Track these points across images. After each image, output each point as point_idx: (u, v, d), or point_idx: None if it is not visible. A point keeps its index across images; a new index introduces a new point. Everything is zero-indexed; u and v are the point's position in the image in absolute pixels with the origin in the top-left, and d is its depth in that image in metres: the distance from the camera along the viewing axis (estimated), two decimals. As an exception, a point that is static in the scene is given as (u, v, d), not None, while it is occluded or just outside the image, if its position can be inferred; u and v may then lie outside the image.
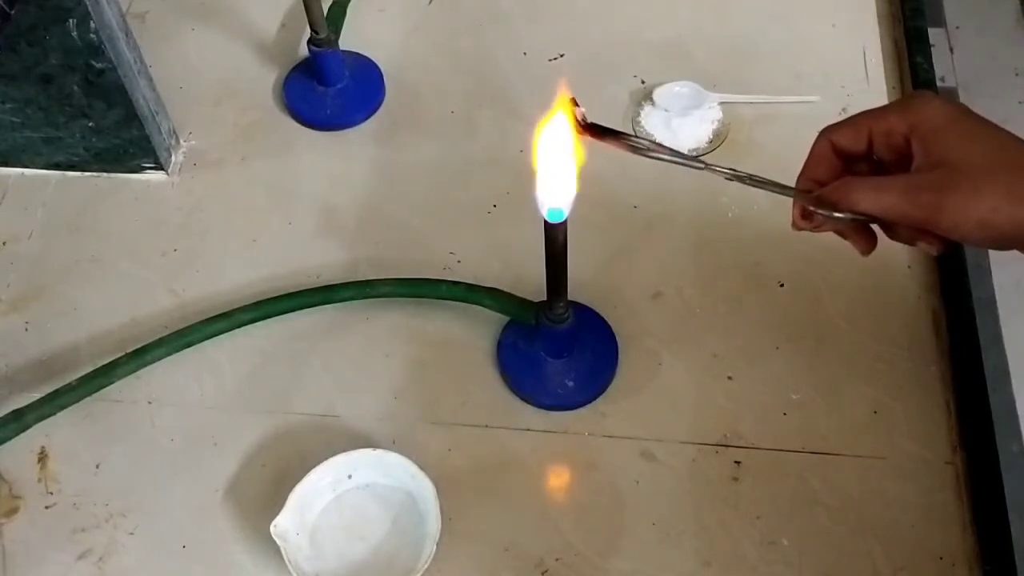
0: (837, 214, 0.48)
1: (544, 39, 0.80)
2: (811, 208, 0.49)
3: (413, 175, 0.73)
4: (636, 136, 0.49)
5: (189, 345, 0.64)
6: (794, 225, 0.51)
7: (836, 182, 0.49)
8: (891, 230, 0.49)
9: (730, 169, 0.49)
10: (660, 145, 0.49)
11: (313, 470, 0.57)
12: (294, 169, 0.74)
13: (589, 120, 0.47)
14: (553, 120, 0.47)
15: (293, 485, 0.56)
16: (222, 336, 0.65)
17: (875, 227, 0.50)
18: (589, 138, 0.47)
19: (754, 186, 0.49)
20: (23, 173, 0.75)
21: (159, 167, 0.73)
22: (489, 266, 0.68)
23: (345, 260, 0.69)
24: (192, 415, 0.63)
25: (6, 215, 0.73)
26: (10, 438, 0.60)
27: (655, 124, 0.74)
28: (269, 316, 0.65)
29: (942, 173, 0.45)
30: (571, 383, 0.62)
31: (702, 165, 0.49)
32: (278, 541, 0.54)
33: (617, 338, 0.64)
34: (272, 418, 0.62)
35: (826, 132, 0.51)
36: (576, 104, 0.46)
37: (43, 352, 0.66)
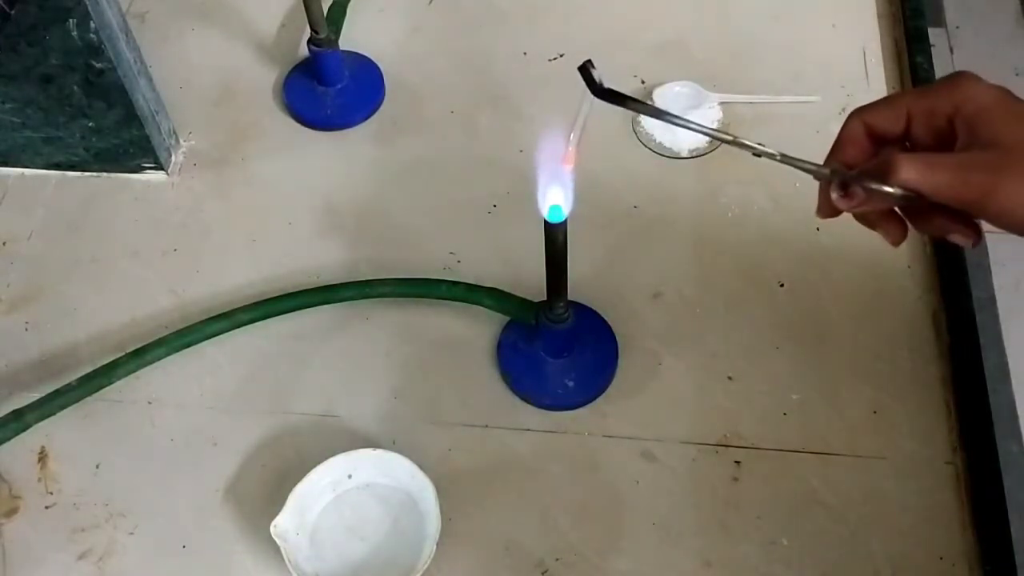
0: (887, 188, 0.44)
1: (544, 39, 0.80)
2: (856, 184, 0.45)
3: (413, 175, 0.73)
4: (654, 106, 0.47)
5: (189, 345, 0.64)
6: (820, 210, 0.48)
7: (881, 156, 0.45)
8: (923, 220, 0.46)
9: (758, 144, 0.46)
10: (678, 116, 0.46)
11: (313, 470, 0.57)
12: (294, 169, 0.74)
13: (607, 85, 0.45)
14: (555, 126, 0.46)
15: (293, 485, 0.56)
16: (222, 336, 0.65)
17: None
18: (606, 102, 0.44)
19: (783, 163, 0.46)
20: (23, 173, 0.75)
21: (159, 167, 0.73)
22: (489, 266, 0.68)
23: (345, 260, 0.69)
24: (192, 415, 0.63)
25: (6, 215, 0.73)
26: (10, 438, 0.60)
27: (655, 124, 0.74)
28: (269, 316, 0.65)
29: (997, 154, 0.43)
30: (571, 383, 0.62)
31: (730, 137, 0.46)
32: (278, 541, 0.54)
33: (617, 338, 0.64)
34: (272, 418, 0.62)
35: (859, 112, 0.48)
36: (592, 67, 0.44)
37: (43, 352, 0.66)
